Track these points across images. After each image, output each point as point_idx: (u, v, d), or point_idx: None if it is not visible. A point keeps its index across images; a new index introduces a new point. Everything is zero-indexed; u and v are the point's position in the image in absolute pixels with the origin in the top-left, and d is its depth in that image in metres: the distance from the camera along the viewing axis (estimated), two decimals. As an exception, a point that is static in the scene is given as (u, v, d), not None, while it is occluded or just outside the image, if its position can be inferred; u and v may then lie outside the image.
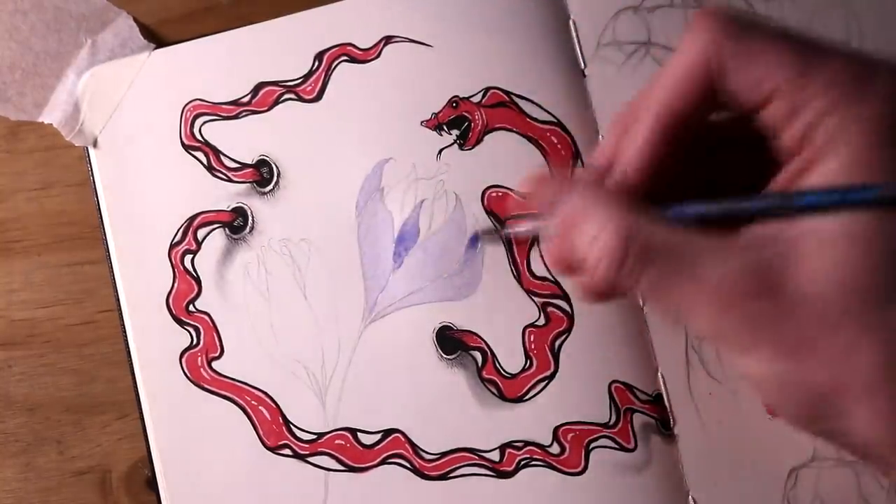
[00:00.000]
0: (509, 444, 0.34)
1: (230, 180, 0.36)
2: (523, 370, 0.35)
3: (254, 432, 0.35)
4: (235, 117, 0.36)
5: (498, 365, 0.35)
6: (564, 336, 0.35)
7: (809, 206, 0.23)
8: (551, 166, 0.36)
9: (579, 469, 0.34)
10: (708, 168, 0.29)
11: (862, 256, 0.23)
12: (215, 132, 0.36)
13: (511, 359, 0.35)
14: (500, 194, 0.35)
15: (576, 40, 0.36)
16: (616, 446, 0.34)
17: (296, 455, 0.34)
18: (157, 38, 0.37)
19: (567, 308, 0.35)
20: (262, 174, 0.36)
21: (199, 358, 0.35)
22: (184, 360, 0.35)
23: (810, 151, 0.24)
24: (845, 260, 0.23)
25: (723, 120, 0.29)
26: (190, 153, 0.36)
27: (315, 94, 0.36)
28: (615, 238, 0.25)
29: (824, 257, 0.23)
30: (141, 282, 0.35)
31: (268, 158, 0.36)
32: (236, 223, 0.36)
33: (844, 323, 0.23)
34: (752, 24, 0.25)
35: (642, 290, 0.26)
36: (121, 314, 0.35)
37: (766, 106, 0.25)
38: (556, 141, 0.36)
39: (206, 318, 0.35)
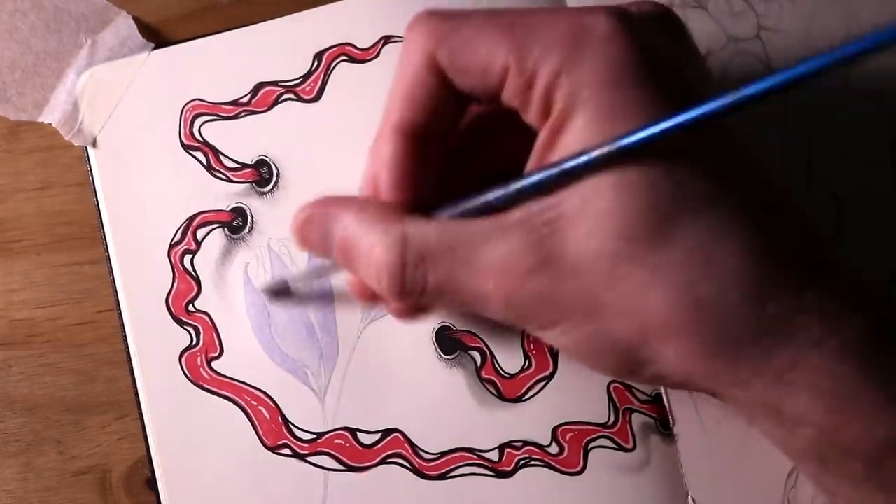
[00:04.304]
0: (508, 444, 0.34)
1: (229, 180, 0.36)
2: (522, 370, 0.35)
3: (253, 432, 0.35)
4: (235, 117, 0.36)
5: (497, 365, 0.35)
6: (563, 336, 0.35)
7: (561, 174, 0.23)
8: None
9: (578, 469, 0.34)
10: (487, 160, 0.29)
11: (624, 205, 0.22)
12: (215, 132, 0.36)
13: (510, 359, 0.35)
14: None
15: (575, 40, 0.36)
16: (615, 446, 0.34)
17: (295, 455, 0.34)
18: (156, 37, 0.37)
19: (566, 308, 0.35)
20: (262, 174, 0.36)
21: (199, 358, 0.35)
22: (183, 359, 0.35)
23: (556, 116, 0.24)
24: (609, 211, 0.22)
25: (487, 111, 0.28)
26: (189, 153, 0.36)
27: (314, 94, 0.36)
28: (387, 249, 0.25)
29: (589, 214, 0.23)
30: (140, 282, 0.35)
31: (267, 158, 0.36)
32: (235, 223, 0.36)
33: (623, 272, 0.23)
34: (463, 13, 0.25)
35: (434, 293, 0.25)
36: (120, 314, 0.35)
37: (503, 87, 0.24)
38: (555, 141, 0.36)
39: (205, 317, 0.35)
